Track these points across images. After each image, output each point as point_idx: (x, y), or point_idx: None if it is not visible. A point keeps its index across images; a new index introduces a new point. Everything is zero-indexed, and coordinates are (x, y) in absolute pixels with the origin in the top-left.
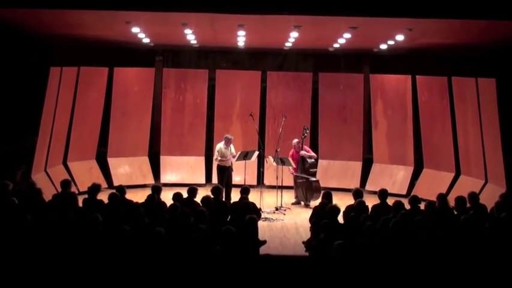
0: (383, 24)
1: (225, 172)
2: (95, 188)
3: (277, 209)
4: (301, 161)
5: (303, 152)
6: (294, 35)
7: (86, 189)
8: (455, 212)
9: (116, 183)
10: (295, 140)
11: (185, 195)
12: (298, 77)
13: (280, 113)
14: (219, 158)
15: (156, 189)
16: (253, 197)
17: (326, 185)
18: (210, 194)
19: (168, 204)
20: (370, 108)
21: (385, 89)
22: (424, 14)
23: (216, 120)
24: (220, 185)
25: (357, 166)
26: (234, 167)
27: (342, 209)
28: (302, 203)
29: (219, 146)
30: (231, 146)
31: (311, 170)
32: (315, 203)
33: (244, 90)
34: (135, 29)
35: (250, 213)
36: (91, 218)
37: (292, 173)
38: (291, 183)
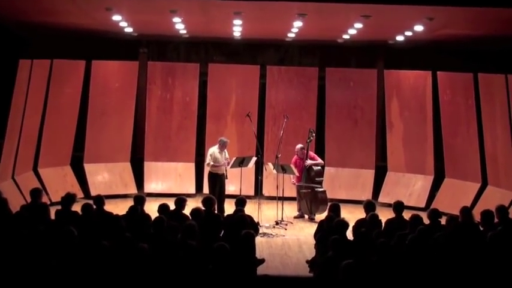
0: (400, 13)
1: (218, 180)
2: (69, 198)
3: (277, 223)
4: (305, 171)
5: (309, 162)
6: (297, 24)
7: (59, 199)
8: (481, 228)
9: (93, 192)
10: (299, 146)
11: (172, 206)
12: (302, 73)
13: (281, 114)
14: (212, 163)
15: (139, 199)
16: (250, 209)
17: (333, 196)
18: (200, 205)
19: (152, 217)
20: (384, 109)
21: (401, 87)
22: (448, 1)
23: (208, 122)
24: (212, 195)
25: (369, 175)
26: (228, 175)
27: (351, 224)
28: (306, 216)
29: (212, 149)
30: (225, 151)
31: (317, 178)
32: (321, 216)
33: (241, 87)
34: (116, 17)
35: (246, 227)
36: (65, 232)
37: (294, 183)
38: (293, 194)
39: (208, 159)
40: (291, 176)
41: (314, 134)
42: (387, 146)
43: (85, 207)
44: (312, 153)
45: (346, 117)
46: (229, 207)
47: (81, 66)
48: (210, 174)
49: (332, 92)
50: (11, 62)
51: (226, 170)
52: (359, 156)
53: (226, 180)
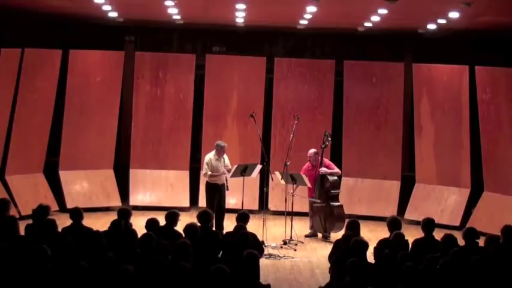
0: None
1: (217, 192)
2: (42, 211)
3: (285, 243)
4: (319, 180)
5: (323, 169)
6: (311, 9)
7: (29, 212)
8: None
9: (70, 204)
10: (313, 150)
11: (162, 222)
12: (316, 66)
13: (291, 114)
14: (209, 173)
15: (124, 213)
16: (253, 225)
17: (352, 211)
18: (195, 220)
19: (139, 234)
20: (413, 110)
21: (433, 84)
22: None
23: (205, 123)
24: (209, 209)
25: (394, 187)
26: (228, 185)
27: (373, 244)
28: (319, 235)
29: (209, 157)
30: (225, 157)
31: (332, 191)
32: (337, 235)
33: (244, 82)
34: None
35: (249, 247)
36: (36, 251)
37: (293, 195)
38: (305, 209)
39: (204, 169)
40: (292, 186)
41: (330, 139)
42: (415, 153)
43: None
44: (327, 161)
45: (367, 119)
46: (230, 223)
47: (56, 56)
48: (208, 184)
49: (351, 89)
50: None
51: (226, 180)
52: (382, 165)
53: (226, 192)
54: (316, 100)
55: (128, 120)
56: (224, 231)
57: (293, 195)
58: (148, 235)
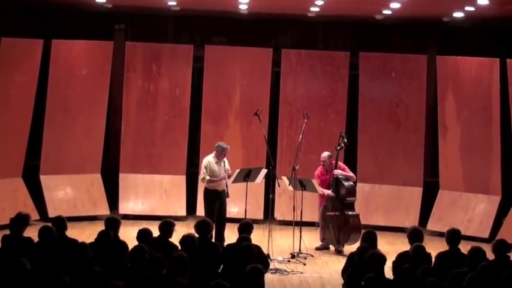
0: None
1: (217, 199)
2: (20, 221)
3: (293, 257)
4: (334, 185)
5: (338, 171)
6: None
7: (7, 221)
8: None
9: (52, 213)
10: (326, 154)
11: (156, 232)
12: (328, 59)
13: (300, 112)
14: (207, 178)
15: (113, 223)
16: (258, 237)
17: (368, 221)
18: (193, 231)
19: (130, 246)
20: (437, 107)
21: (459, 79)
22: None
23: (204, 122)
24: (209, 219)
25: (415, 194)
26: (229, 192)
27: (391, 258)
28: (332, 247)
29: (207, 159)
30: (225, 160)
31: (348, 198)
32: (351, 248)
33: (247, 76)
34: None
35: (253, 261)
36: (14, 264)
37: (331, 214)
38: (315, 218)
39: (202, 173)
40: (301, 193)
41: (346, 140)
42: (439, 156)
43: (45, 232)
44: (342, 164)
45: (385, 117)
46: (231, 234)
47: (37, 46)
48: (206, 191)
49: (367, 85)
50: None
51: (227, 186)
52: (402, 170)
53: (227, 199)
54: (329, 97)
55: (117, 119)
56: (225, 243)
57: (329, 214)
58: (140, 247)
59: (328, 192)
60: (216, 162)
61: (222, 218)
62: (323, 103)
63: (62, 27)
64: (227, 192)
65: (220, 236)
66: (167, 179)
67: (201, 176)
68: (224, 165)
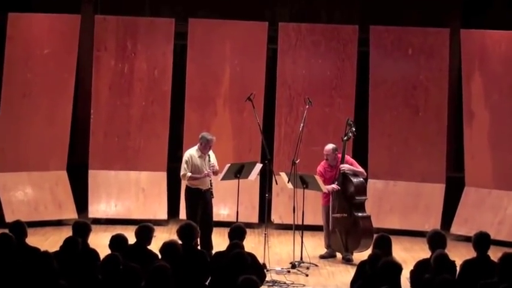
0: None
1: (200, 200)
2: None
3: (294, 267)
4: (341, 182)
5: (346, 166)
6: None
7: None
8: None
9: (9, 217)
10: (330, 146)
11: (132, 239)
12: (333, 34)
13: (301, 97)
14: (188, 175)
15: (81, 228)
16: (252, 243)
17: (381, 224)
18: (176, 237)
19: (101, 255)
20: (461, 90)
21: (487, 56)
22: None
23: (188, 109)
24: (193, 222)
25: (436, 192)
26: (215, 191)
27: (409, 267)
28: (339, 255)
29: (189, 153)
30: (211, 153)
31: (357, 197)
32: (362, 255)
33: (239, 55)
34: None
35: (246, 272)
36: None
37: (334, 215)
38: (319, 221)
39: (183, 169)
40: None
41: (354, 129)
42: (465, 147)
43: (1, 239)
44: (350, 158)
45: (401, 102)
46: (221, 241)
47: None
48: (188, 190)
49: (380, 64)
50: None
51: (211, 184)
52: (421, 163)
53: (213, 199)
54: (334, 78)
55: (86, 106)
56: (213, 251)
57: (335, 216)
58: (113, 257)
59: (333, 186)
60: (200, 156)
61: (207, 222)
62: (328, 86)
63: None
64: (212, 191)
65: (207, 243)
66: (145, 176)
67: (181, 172)
68: (209, 160)
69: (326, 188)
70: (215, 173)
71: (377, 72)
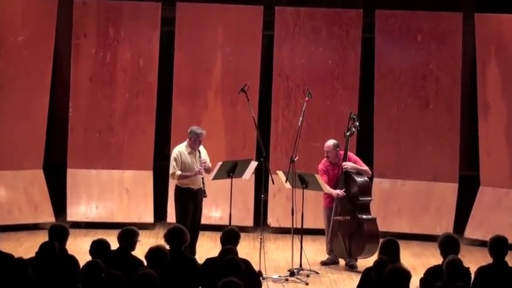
0: None
1: (190, 200)
2: None
3: (292, 274)
4: (343, 181)
5: (349, 164)
6: None
7: None
8: None
9: None
10: (331, 143)
11: (115, 244)
12: (335, 18)
13: (300, 88)
14: (178, 173)
15: (59, 232)
16: (246, 249)
17: (387, 227)
18: (163, 242)
19: (81, 262)
20: (475, 80)
21: (505, 43)
22: None
23: (176, 101)
24: (182, 226)
25: (449, 192)
26: (208, 191)
27: (418, 275)
28: (341, 261)
29: (178, 149)
30: (201, 149)
31: (361, 198)
32: (367, 262)
33: (231, 42)
34: None
35: (239, 279)
36: None
37: (339, 219)
38: (320, 225)
39: (172, 167)
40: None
41: (358, 123)
42: (480, 143)
43: None
44: (353, 156)
45: (410, 93)
46: (212, 246)
47: None
48: (178, 189)
49: (386, 52)
50: None
51: (204, 183)
52: (432, 161)
53: (204, 199)
54: (336, 67)
55: (64, 99)
56: (196, 256)
57: (337, 219)
58: (94, 264)
59: (338, 192)
60: (190, 153)
61: (195, 226)
62: (329, 76)
63: None
64: (204, 190)
65: (191, 249)
66: (129, 175)
67: (170, 171)
68: (199, 156)
69: (329, 190)
70: (207, 170)
71: (383, 60)
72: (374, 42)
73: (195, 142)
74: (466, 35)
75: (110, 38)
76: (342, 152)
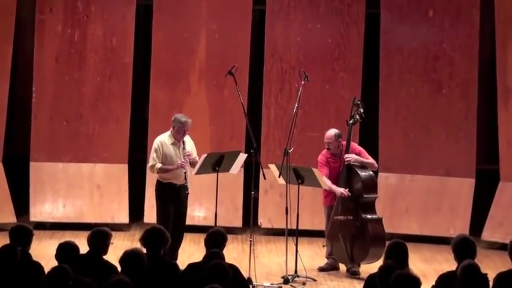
0: None
1: (173, 197)
2: None
3: (286, 282)
4: (344, 176)
5: (351, 156)
6: None
7: None
8: None
9: None
10: (332, 132)
11: (84, 248)
12: None
13: (295, 70)
14: (158, 166)
15: (21, 234)
16: (234, 253)
17: (394, 228)
18: (139, 245)
19: (47, 268)
20: (495, 62)
21: None
22: None
23: (153, 85)
24: (161, 226)
25: (464, 188)
26: (190, 187)
27: (429, 282)
28: (342, 267)
29: (160, 139)
30: (187, 140)
31: (365, 195)
32: (370, 267)
33: (217, 19)
34: None
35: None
36: None
37: (339, 218)
38: (318, 225)
39: (152, 159)
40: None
41: (362, 110)
42: (499, 133)
43: None
44: (357, 147)
45: (420, 76)
46: (195, 250)
47: None
48: (159, 184)
49: (393, 29)
50: None
51: (187, 178)
52: (444, 153)
53: (187, 195)
54: (337, 47)
55: (26, 82)
56: (178, 261)
57: (338, 218)
58: (60, 270)
59: (341, 190)
60: (173, 144)
61: (178, 227)
62: (328, 57)
63: None
64: (187, 187)
65: (173, 253)
66: (101, 169)
67: (149, 163)
68: (184, 148)
69: (330, 186)
70: (192, 163)
71: (390, 39)
72: (379, 18)
73: (179, 132)
74: (484, 10)
75: (79, 13)
76: (344, 143)
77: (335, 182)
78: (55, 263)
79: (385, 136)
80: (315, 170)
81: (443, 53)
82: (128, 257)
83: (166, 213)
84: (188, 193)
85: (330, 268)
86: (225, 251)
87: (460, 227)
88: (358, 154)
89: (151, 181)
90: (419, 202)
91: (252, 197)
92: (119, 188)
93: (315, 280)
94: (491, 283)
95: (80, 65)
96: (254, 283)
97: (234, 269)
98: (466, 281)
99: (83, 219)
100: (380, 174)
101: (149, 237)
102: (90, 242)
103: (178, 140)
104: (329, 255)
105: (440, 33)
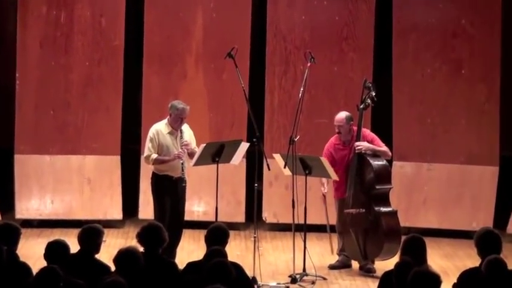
0: None
1: (170, 191)
2: None
3: (294, 281)
4: (355, 166)
5: (363, 144)
6: None
7: None
8: None
9: None
10: (342, 115)
11: (75, 247)
12: None
13: (300, 52)
14: (153, 157)
15: (6, 233)
16: (237, 250)
17: (412, 222)
18: (135, 243)
19: (34, 269)
20: None
21: None
22: None
23: (147, 70)
24: (159, 222)
25: (487, 177)
26: (189, 180)
27: (451, 280)
28: (355, 264)
29: (156, 128)
30: (185, 128)
31: (379, 186)
32: (385, 264)
33: None
34: None
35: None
36: None
37: (324, 196)
38: (329, 220)
39: (147, 150)
40: (323, 180)
41: (374, 93)
42: None
43: None
44: (369, 133)
45: (436, 56)
46: (195, 247)
47: None
48: (155, 177)
49: (407, 4)
50: None
51: (184, 169)
52: (465, 140)
53: (185, 189)
54: (345, 25)
55: (9, 69)
56: (176, 260)
57: (323, 196)
58: (50, 270)
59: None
60: (170, 133)
61: (176, 223)
62: (336, 36)
63: None
64: (185, 179)
65: (170, 251)
66: (91, 161)
67: (144, 154)
68: (181, 137)
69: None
70: (190, 154)
71: (403, 15)
72: None
73: (176, 120)
74: None
75: None
76: (355, 128)
77: (345, 171)
78: (44, 264)
79: (399, 122)
80: (323, 159)
81: (463, 30)
82: (123, 255)
83: (163, 208)
84: (185, 186)
85: (341, 266)
86: (227, 249)
87: (483, 219)
88: (370, 141)
89: (146, 173)
90: (438, 193)
91: (255, 190)
92: (111, 181)
93: (325, 279)
94: None
95: (67, 49)
96: (259, 283)
97: (237, 268)
98: (492, 278)
99: (72, 216)
100: (394, 163)
101: (146, 234)
102: (81, 240)
103: (175, 128)
104: (340, 252)
105: (458, 9)
